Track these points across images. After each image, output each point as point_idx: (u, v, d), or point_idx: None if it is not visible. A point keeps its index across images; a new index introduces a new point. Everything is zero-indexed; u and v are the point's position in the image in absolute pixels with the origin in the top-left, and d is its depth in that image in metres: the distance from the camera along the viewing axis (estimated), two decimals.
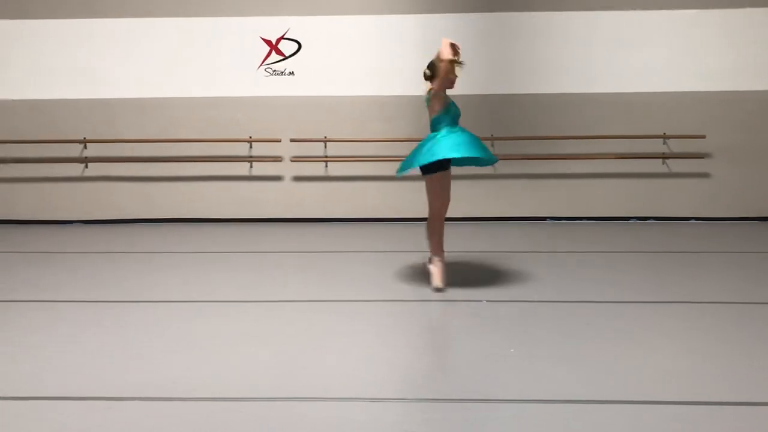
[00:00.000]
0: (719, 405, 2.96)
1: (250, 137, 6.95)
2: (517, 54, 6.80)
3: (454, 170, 4.74)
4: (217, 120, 6.93)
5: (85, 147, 6.99)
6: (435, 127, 4.52)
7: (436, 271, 4.64)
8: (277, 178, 7.08)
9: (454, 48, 4.40)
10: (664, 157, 6.88)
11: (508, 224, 6.92)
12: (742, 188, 6.92)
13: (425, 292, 4.60)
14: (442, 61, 4.36)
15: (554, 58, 6.78)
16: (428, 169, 4.46)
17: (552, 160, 6.89)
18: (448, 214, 4.75)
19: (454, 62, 4.39)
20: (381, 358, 3.52)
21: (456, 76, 4.46)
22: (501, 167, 6.78)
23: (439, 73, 4.39)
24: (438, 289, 4.58)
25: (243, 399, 3.05)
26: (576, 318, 4.07)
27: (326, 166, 7.01)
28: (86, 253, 5.92)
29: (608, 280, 4.85)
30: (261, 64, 6.88)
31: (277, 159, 6.99)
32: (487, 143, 6.63)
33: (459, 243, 5.58)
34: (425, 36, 6.50)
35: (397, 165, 4.75)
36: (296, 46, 6.86)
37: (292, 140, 6.92)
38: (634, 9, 6.72)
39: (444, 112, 4.48)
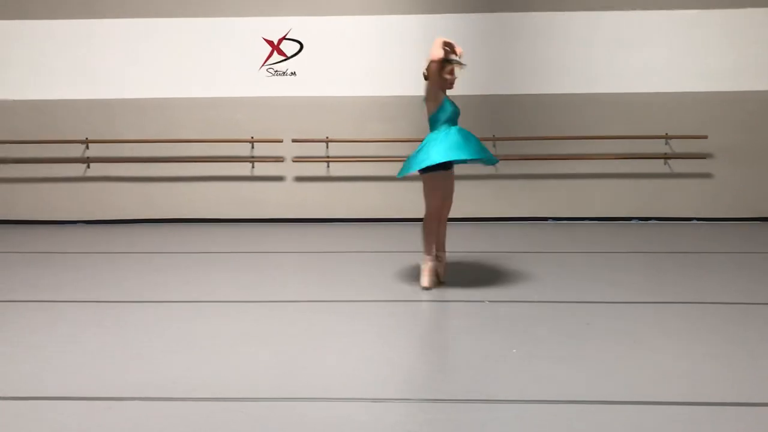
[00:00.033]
0: (720, 405, 2.96)
1: (252, 137, 6.95)
2: (518, 54, 6.80)
3: (457, 169, 4.74)
4: (218, 120, 6.93)
5: (87, 147, 7.00)
6: (432, 125, 4.52)
7: (425, 270, 4.65)
8: (279, 179, 7.08)
9: (452, 47, 4.37)
10: (666, 157, 6.87)
11: (508, 224, 6.91)
12: (743, 189, 6.92)
13: (425, 292, 4.60)
14: (433, 61, 4.33)
15: (555, 58, 6.78)
16: (426, 168, 4.44)
17: (553, 160, 6.89)
18: (450, 215, 4.75)
19: (450, 62, 4.38)
20: (381, 358, 3.52)
21: (455, 77, 4.45)
22: (502, 167, 6.78)
23: (430, 74, 4.38)
24: (425, 289, 4.60)
25: (243, 399, 3.05)
26: (577, 318, 4.07)
27: (328, 166, 7.01)
28: (86, 253, 5.92)
29: (609, 280, 4.84)
30: (263, 65, 6.88)
31: (278, 159, 6.99)
32: (489, 144, 6.65)
33: (459, 243, 5.59)
34: (426, 36, 6.45)
35: (398, 165, 4.77)
36: (298, 46, 6.86)
37: (294, 140, 6.92)
38: (635, 9, 6.71)
39: (440, 111, 4.47)
